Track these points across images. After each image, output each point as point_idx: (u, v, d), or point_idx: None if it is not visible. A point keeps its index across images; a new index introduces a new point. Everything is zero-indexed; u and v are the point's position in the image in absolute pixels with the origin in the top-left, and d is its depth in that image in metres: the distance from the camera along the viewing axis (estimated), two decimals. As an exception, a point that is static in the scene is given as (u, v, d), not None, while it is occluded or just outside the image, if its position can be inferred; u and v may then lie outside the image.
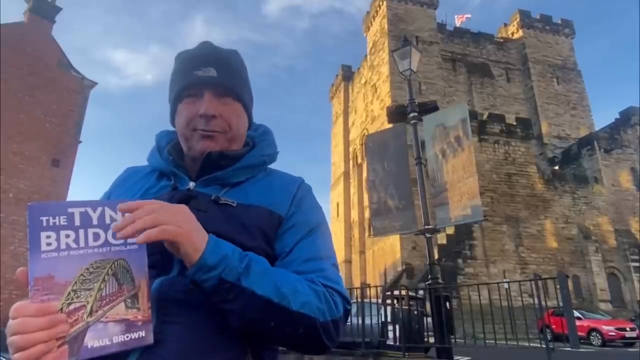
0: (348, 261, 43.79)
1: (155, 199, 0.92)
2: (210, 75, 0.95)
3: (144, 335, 0.74)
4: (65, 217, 0.71)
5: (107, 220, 0.74)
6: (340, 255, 42.44)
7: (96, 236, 0.73)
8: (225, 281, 0.75)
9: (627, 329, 17.34)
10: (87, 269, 0.70)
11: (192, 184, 0.95)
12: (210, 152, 0.95)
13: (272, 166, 1.07)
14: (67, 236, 0.70)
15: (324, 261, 0.92)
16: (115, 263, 0.73)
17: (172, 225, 0.73)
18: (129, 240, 0.75)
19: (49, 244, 0.68)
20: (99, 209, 0.74)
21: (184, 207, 0.78)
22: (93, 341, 0.69)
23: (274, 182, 1.00)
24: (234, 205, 0.91)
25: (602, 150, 34.84)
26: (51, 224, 0.69)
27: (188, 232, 0.74)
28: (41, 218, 0.69)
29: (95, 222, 0.73)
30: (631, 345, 16.59)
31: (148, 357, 0.76)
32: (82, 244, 0.71)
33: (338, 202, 49.90)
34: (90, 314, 0.69)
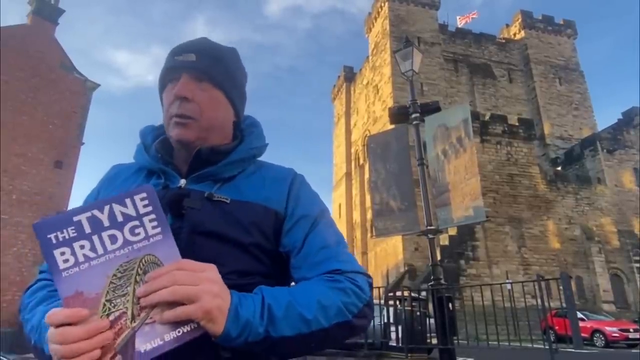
0: (350, 262, 43.71)
1: None
2: (189, 60, 0.95)
3: (196, 325, 0.69)
4: (72, 227, 0.67)
5: (120, 218, 0.70)
6: (342, 256, 42.27)
7: (113, 238, 0.69)
8: (252, 342, 0.74)
9: (631, 330, 17.25)
10: (115, 275, 0.67)
11: (183, 182, 0.93)
12: (200, 148, 0.94)
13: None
14: (82, 247, 0.67)
15: (336, 246, 0.93)
16: (143, 260, 0.69)
17: (195, 304, 0.68)
18: (150, 233, 0.71)
19: (65, 261, 0.66)
20: (107, 208, 0.70)
21: (209, 275, 0.72)
22: (145, 345, 0.66)
23: (266, 176, 0.99)
24: (228, 201, 0.91)
25: (604, 150, 34.75)
26: (61, 239, 0.66)
27: (208, 310, 0.69)
28: (49, 236, 0.66)
29: (107, 223, 0.69)
30: (635, 346, 16.50)
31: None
32: (100, 251, 0.68)
33: (340, 203, 49.86)
34: (133, 319, 0.66)
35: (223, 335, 0.71)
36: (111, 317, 0.66)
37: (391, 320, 7.35)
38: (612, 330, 17.22)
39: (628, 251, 31.84)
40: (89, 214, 0.68)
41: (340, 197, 50.00)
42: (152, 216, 0.71)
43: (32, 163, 19.07)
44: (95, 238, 0.68)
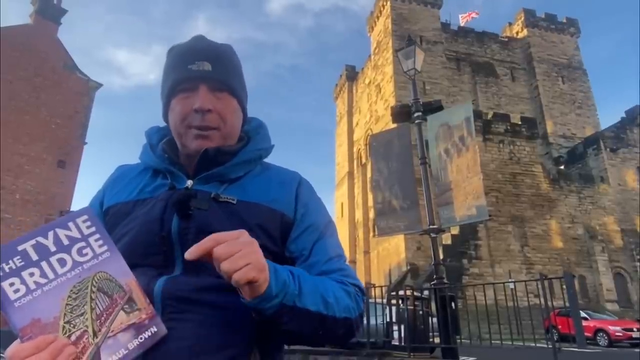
0: (352, 261, 43.71)
1: (152, 197, 0.92)
2: (205, 70, 0.93)
3: (156, 330, 0.74)
4: (18, 257, 0.68)
5: (66, 241, 0.72)
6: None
7: (62, 262, 0.70)
8: (285, 306, 0.76)
9: (634, 329, 17.20)
10: (69, 296, 0.68)
11: (189, 182, 0.93)
12: (207, 149, 0.93)
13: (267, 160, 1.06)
14: (32, 275, 0.67)
15: (341, 259, 0.97)
16: (95, 278, 0.71)
17: (252, 265, 0.71)
18: (98, 251, 0.73)
19: (16, 291, 0.66)
20: (51, 234, 0.71)
21: (248, 239, 0.75)
22: (111, 357, 0.68)
23: (272, 177, 0.99)
24: (234, 202, 0.90)
25: (608, 149, 34.63)
26: (8, 270, 0.66)
27: (264, 268, 0.73)
28: None
29: (53, 248, 0.71)
30: (638, 345, 16.45)
31: (156, 355, 0.75)
32: (51, 275, 0.68)
33: (342, 202, 49.85)
34: (95, 335, 0.68)
35: (266, 293, 0.73)
36: (72, 338, 0.66)
37: (394, 319, 7.36)
38: (615, 329, 17.19)
39: (631, 250, 31.75)
40: (33, 241, 0.70)
41: (343, 196, 49.99)
42: (97, 236, 0.74)
43: (35, 162, 19.14)
44: (44, 264, 0.69)
